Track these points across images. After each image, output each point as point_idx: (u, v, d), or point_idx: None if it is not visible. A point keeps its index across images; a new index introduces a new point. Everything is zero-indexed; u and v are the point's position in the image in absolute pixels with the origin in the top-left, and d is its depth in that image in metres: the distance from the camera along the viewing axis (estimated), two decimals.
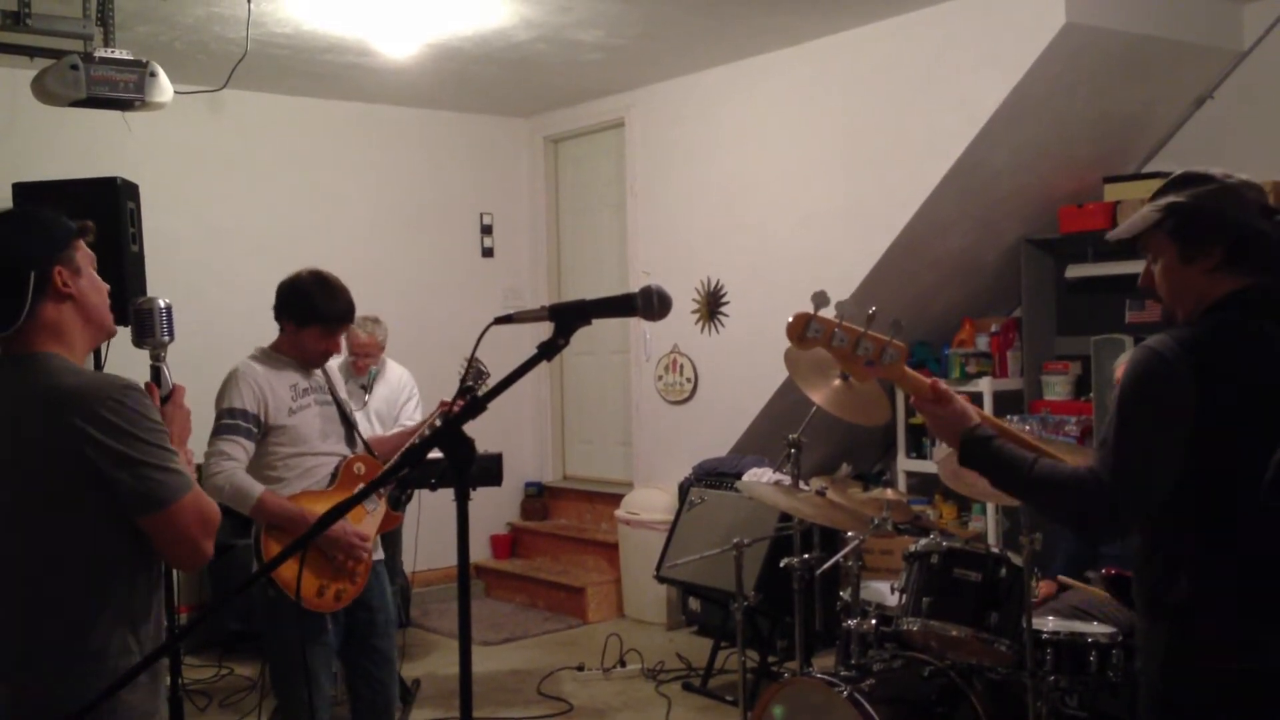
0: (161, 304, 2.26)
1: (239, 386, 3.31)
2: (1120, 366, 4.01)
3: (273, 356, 3.44)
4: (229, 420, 3.27)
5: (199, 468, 2.52)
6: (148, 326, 2.25)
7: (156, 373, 2.23)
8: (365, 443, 3.58)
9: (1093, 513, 2.04)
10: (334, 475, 3.41)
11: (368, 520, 3.47)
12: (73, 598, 1.94)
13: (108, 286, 2.11)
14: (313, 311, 3.42)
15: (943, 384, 2.23)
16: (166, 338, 2.27)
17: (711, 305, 6.34)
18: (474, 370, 3.45)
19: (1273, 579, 1.99)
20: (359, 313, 5.53)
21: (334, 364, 5.60)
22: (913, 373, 2.23)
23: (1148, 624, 2.11)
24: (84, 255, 2.05)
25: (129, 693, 1.91)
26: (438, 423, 3.65)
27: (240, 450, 3.25)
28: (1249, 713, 1.99)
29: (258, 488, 3.23)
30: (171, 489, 1.93)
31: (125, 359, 3.05)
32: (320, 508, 3.21)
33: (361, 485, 3.40)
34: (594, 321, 1.88)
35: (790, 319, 2.12)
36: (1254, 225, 2.07)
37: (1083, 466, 2.06)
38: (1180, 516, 2.02)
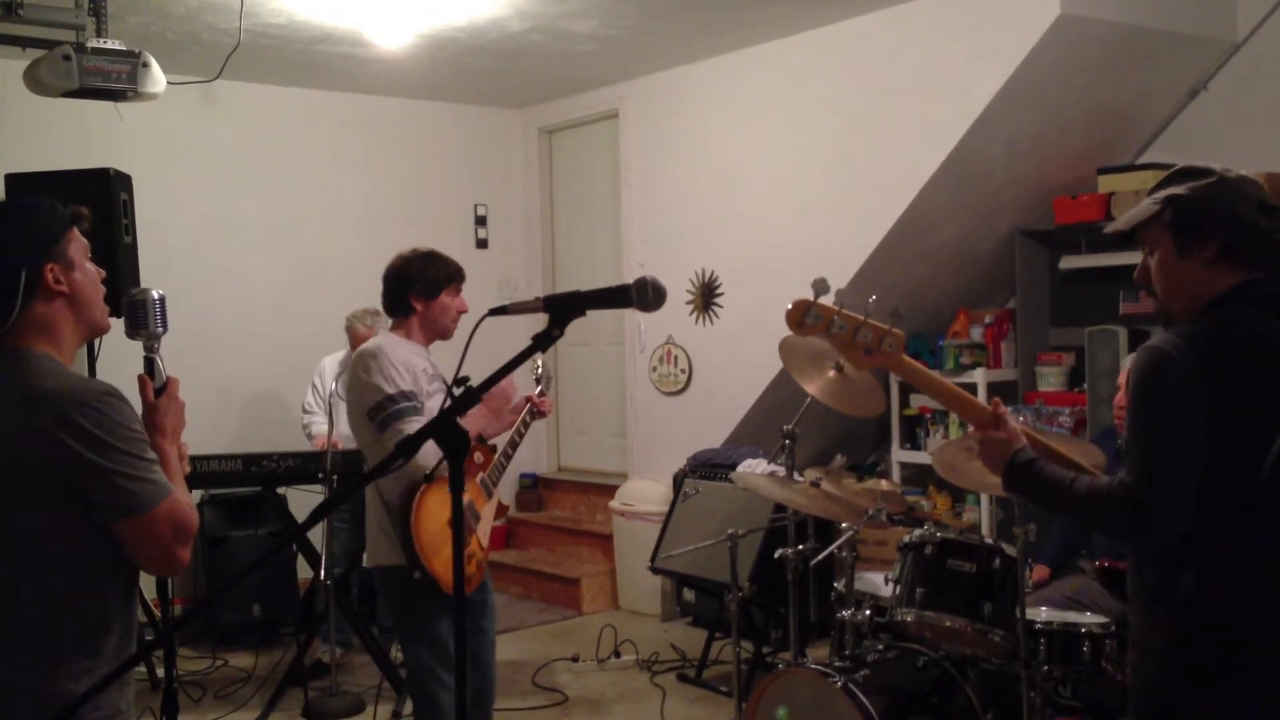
0: (155, 295, 2.24)
1: (394, 368, 3.25)
2: (1125, 371, 4.01)
3: (402, 342, 3.41)
4: (404, 404, 3.21)
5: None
6: (141, 318, 2.22)
7: (150, 364, 2.21)
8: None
9: (1131, 524, 2.01)
10: None
11: (487, 507, 3.52)
12: (45, 597, 1.92)
13: (104, 273, 2.09)
14: (444, 273, 3.48)
15: (1002, 408, 2.21)
16: (160, 329, 2.24)
17: (706, 296, 6.35)
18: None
19: (1276, 576, 1.98)
20: (358, 306, 5.60)
21: (336, 360, 5.65)
22: (964, 392, 2.25)
23: (1147, 619, 2.10)
24: (77, 246, 2.03)
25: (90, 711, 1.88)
26: (529, 419, 3.64)
27: None
28: (1249, 710, 1.99)
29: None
30: (144, 497, 1.91)
31: (119, 350, 3.04)
32: (443, 495, 3.15)
33: (481, 475, 3.47)
34: (589, 313, 1.89)
35: (789, 306, 2.12)
36: (1251, 219, 2.07)
37: (1117, 478, 2.04)
38: None
